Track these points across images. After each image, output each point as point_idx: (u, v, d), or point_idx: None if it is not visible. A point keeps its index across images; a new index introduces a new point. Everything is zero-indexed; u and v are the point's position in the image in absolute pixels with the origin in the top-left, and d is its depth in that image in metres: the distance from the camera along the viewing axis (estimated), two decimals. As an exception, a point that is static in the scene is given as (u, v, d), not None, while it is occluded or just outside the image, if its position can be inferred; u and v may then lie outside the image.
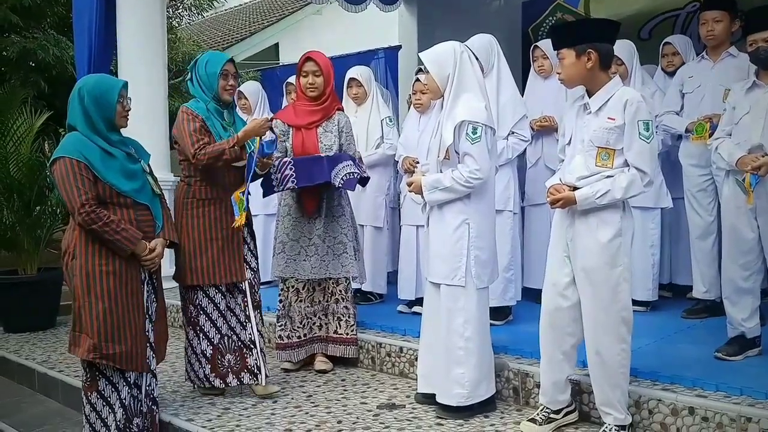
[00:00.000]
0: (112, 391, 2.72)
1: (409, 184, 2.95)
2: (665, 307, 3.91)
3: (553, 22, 6.58)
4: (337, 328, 3.57)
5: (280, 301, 3.60)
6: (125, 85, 2.78)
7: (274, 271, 3.58)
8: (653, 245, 3.79)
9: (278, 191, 3.46)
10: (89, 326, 2.62)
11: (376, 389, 3.29)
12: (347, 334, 3.56)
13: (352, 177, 3.37)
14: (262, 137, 3.10)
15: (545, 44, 3.93)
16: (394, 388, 3.29)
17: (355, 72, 4.28)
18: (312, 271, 3.47)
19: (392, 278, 4.24)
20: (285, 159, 3.41)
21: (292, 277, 3.53)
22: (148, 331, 2.79)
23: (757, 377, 2.66)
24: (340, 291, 3.55)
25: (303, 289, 3.56)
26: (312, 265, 3.47)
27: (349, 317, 3.56)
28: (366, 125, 4.23)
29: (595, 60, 2.48)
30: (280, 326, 3.58)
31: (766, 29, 2.82)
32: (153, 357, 2.85)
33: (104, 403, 2.71)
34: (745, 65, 3.17)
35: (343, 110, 3.66)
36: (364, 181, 3.59)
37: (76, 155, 2.60)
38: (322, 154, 3.43)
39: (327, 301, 3.59)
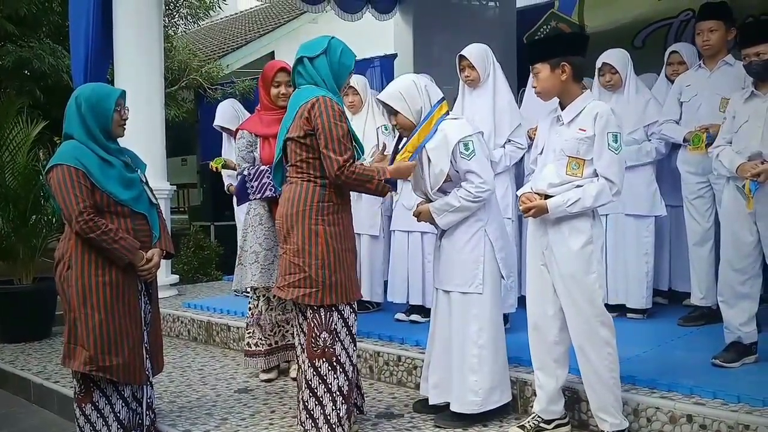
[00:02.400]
0: (106, 404, 2.70)
1: (417, 215, 2.93)
2: (662, 314, 3.92)
3: (548, 30, 6.62)
4: None
5: (249, 309, 3.62)
6: (123, 94, 2.77)
7: (248, 280, 3.56)
8: (647, 253, 3.80)
9: (254, 199, 3.45)
10: (85, 338, 2.60)
11: (374, 398, 3.28)
12: None
13: None
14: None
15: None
16: (392, 398, 3.28)
17: (352, 80, 4.26)
18: None
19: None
20: (261, 167, 3.42)
21: (263, 287, 3.52)
22: (145, 343, 2.77)
23: (754, 384, 2.66)
24: None
25: (274, 297, 3.56)
26: None
27: None
28: (361, 134, 4.22)
29: (569, 72, 2.56)
30: (248, 334, 3.61)
31: (757, 44, 2.88)
32: (150, 368, 2.82)
33: (98, 415, 2.68)
34: (741, 73, 3.21)
35: None
36: None
37: (73, 162, 2.58)
38: None
39: None
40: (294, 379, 3.57)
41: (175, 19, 8.69)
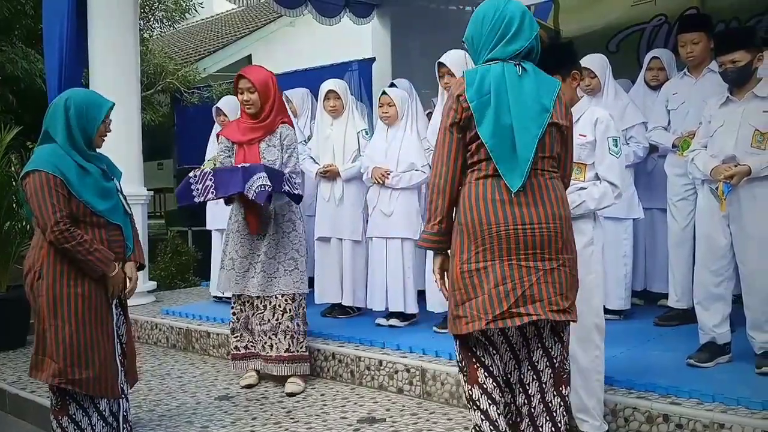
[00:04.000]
0: (83, 416, 2.65)
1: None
2: (638, 315, 3.98)
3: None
4: (289, 346, 3.49)
5: (234, 314, 3.61)
6: (113, 106, 2.74)
7: (223, 286, 3.57)
8: (626, 255, 3.87)
9: (198, 201, 3.43)
10: (54, 350, 2.54)
11: (355, 403, 3.28)
12: (298, 351, 3.52)
13: (263, 189, 3.23)
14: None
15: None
16: (373, 402, 3.28)
17: (333, 84, 4.29)
18: (258, 288, 3.47)
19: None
20: (205, 170, 3.41)
21: (241, 294, 3.54)
22: (119, 355, 2.73)
23: (728, 384, 2.72)
24: (295, 308, 3.54)
25: (261, 303, 3.56)
26: (258, 282, 3.47)
27: (302, 334, 3.55)
28: (342, 138, 4.23)
29: (578, 79, 2.62)
30: (235, 338, 3.61)
31: (730, 52, 2.95)
32: (126, 382, 2.78)
33: (75, 427, 2.64)
34: None
35: (288, 123, 3.58)
36: (297, 198, 3.52)
37: (51, 169, 2.52)
38: (245, 165, 3.36)
39: (278, 320, 3.51)
40: (288, 395, 3.42)
41: (150, 22, 8.59)
